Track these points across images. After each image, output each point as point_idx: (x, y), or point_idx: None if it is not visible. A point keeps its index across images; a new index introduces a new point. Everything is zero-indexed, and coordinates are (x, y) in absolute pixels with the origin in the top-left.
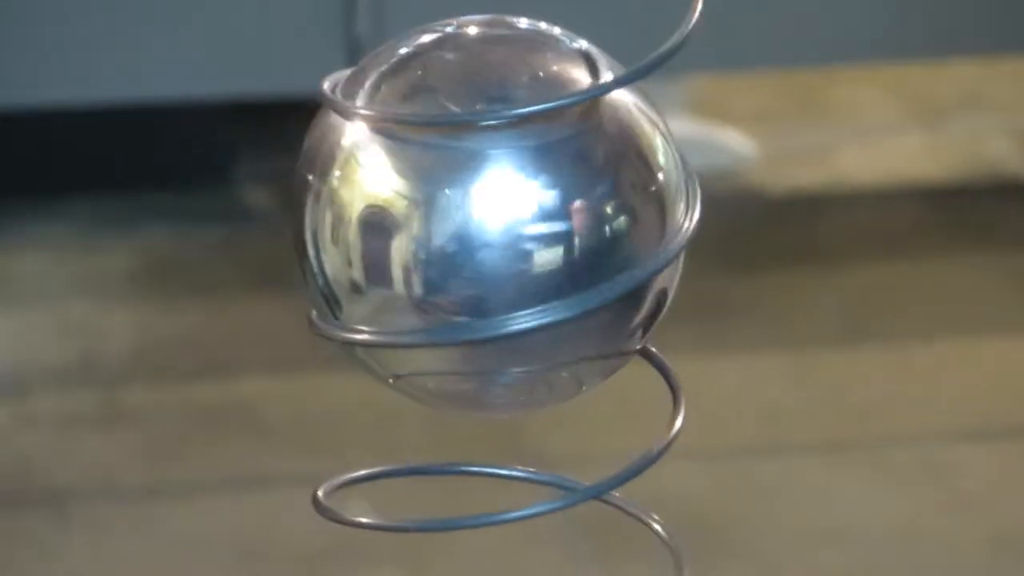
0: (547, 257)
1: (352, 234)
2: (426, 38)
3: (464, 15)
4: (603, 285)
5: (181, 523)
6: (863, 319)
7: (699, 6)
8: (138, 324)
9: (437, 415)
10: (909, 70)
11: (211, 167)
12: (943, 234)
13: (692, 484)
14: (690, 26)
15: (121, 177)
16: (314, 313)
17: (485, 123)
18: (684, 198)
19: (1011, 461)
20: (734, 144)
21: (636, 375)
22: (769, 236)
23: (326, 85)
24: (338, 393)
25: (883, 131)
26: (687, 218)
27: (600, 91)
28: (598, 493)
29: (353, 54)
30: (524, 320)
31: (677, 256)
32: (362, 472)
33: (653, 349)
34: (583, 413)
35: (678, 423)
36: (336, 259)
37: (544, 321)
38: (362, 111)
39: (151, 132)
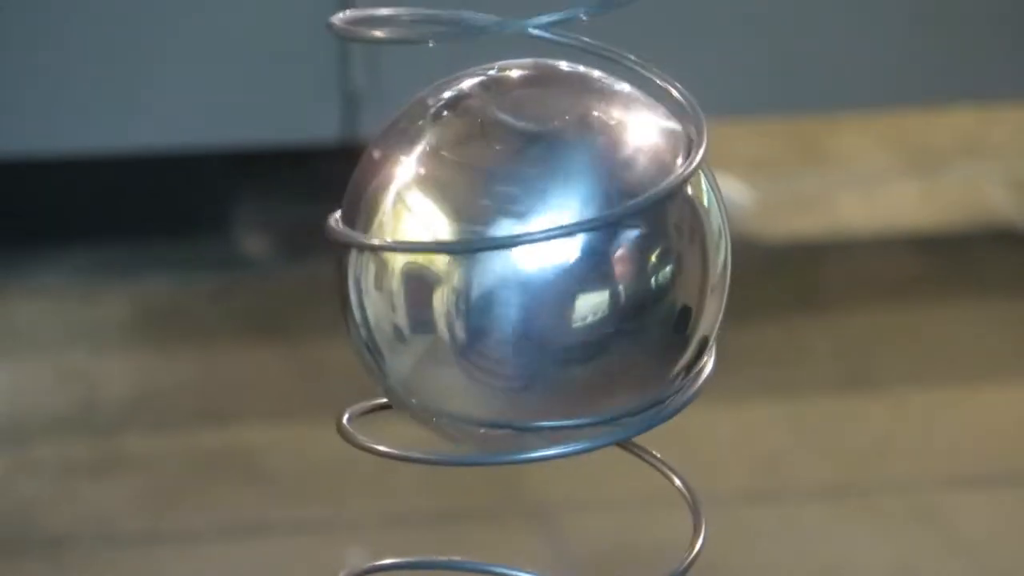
0: (592, 307)
1: (395, 283)
2: (466, 85)
3: (468, 65)
4: (637, 416)
5: (180, 571)
6: (860, 366)
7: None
8: (136, 372)
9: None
10: (907, 118)
11: (209, 216)
12: (940, 282)
13: (689, 529)
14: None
15: (119, 226)
16: (346, 418)
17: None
18: (724, 246)
19: (1007, 507)
20: (731, 191)
21: None
22: (766, 283)
23: (332, 220)
24: (337, 441)
25: (881, 179)
26: (707, 357)
27: (629, 211)
28: None
29: (349, 105)
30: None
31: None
32: (388, 561)
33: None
34: (582, 459)
35: (699, 544)
36: (379, 308)
37: (568, 450)
38: (375, 243)
39: (149, 181)
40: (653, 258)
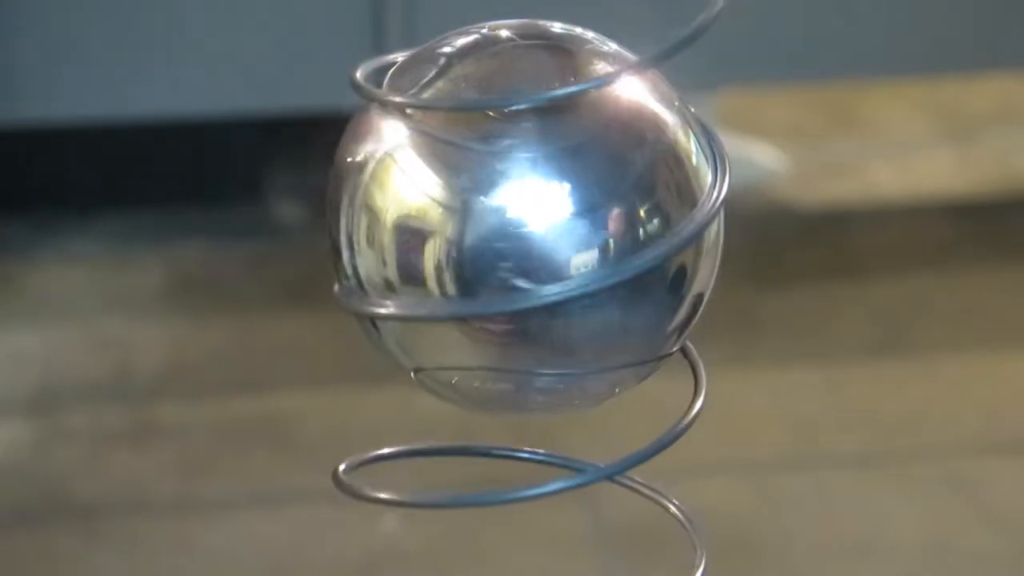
0: (583, 260)
1: (386, 237)
2: (458, 42)
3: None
4: (636, 258)
5: (213, 539)
6: (893, 333)
7: None
8: (170, 339)
9: (469, 429)
10: (940, 85)
11: (243, 183)
12: (973, 248)
13: (723, 497)
14: (716, 11)
15: (153, 193)
16: (336, 287)
17: (512, 108)
18: (713, 177)
19: None
20: (765, 158)
21: (671, 379)
22: (800, 250)
23: (358, 74)
24: (370, 408)
25: (914, 146)
26: (716, 188)
27: (623, 72)
28: (612, 473)
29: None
30: (555, 294)
31: (709, 223)
32: (383, 451)
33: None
34: (617, 419)
35: (698, 404)
36: (370, 261)
37: (576, 293)
38: (391, 98)
39: (183, 148)
40: (642, 208)
